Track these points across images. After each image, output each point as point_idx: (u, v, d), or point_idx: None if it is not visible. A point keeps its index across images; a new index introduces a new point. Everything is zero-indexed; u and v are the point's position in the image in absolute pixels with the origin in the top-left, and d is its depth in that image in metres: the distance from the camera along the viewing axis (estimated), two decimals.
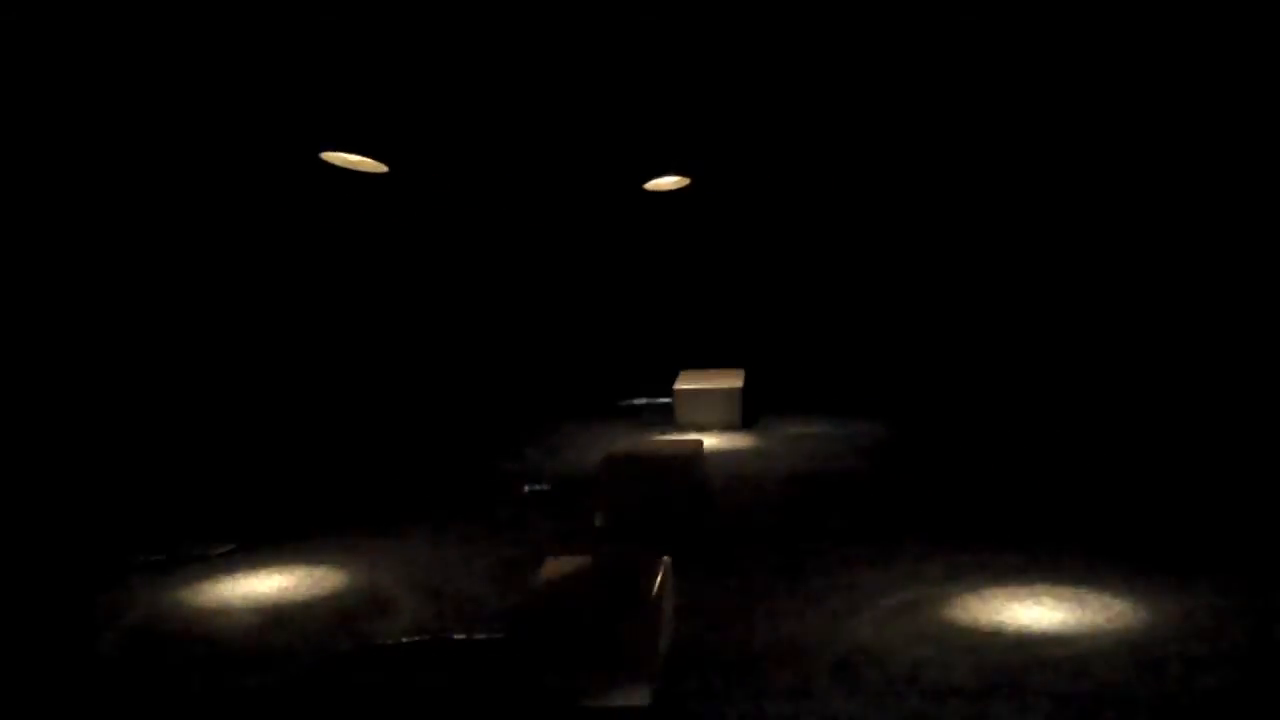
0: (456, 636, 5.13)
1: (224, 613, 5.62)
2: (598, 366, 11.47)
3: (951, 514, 6.87)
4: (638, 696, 4.41)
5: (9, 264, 8.77)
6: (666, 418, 9.98)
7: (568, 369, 11.54)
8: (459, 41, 8.49)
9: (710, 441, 8.89)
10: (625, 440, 7.62)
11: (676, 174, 9.72)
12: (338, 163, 8.40)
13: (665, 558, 5.18)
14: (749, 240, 11.85)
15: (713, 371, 10.19)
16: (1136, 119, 9.73)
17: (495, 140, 9.96)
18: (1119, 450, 8.21)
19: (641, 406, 10.66)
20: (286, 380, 10.39)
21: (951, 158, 10.83)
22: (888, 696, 4.40)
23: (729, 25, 8.61)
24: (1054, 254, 10.84)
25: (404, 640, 5.12)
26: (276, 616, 5.53)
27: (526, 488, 7.63)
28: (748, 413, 9.84)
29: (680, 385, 9.96)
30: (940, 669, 4.62)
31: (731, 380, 9.95)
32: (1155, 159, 9.92)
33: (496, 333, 11.75)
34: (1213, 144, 9.57)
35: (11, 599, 5.94)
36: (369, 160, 8.41)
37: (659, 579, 4.88)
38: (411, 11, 8.17)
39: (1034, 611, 5.20)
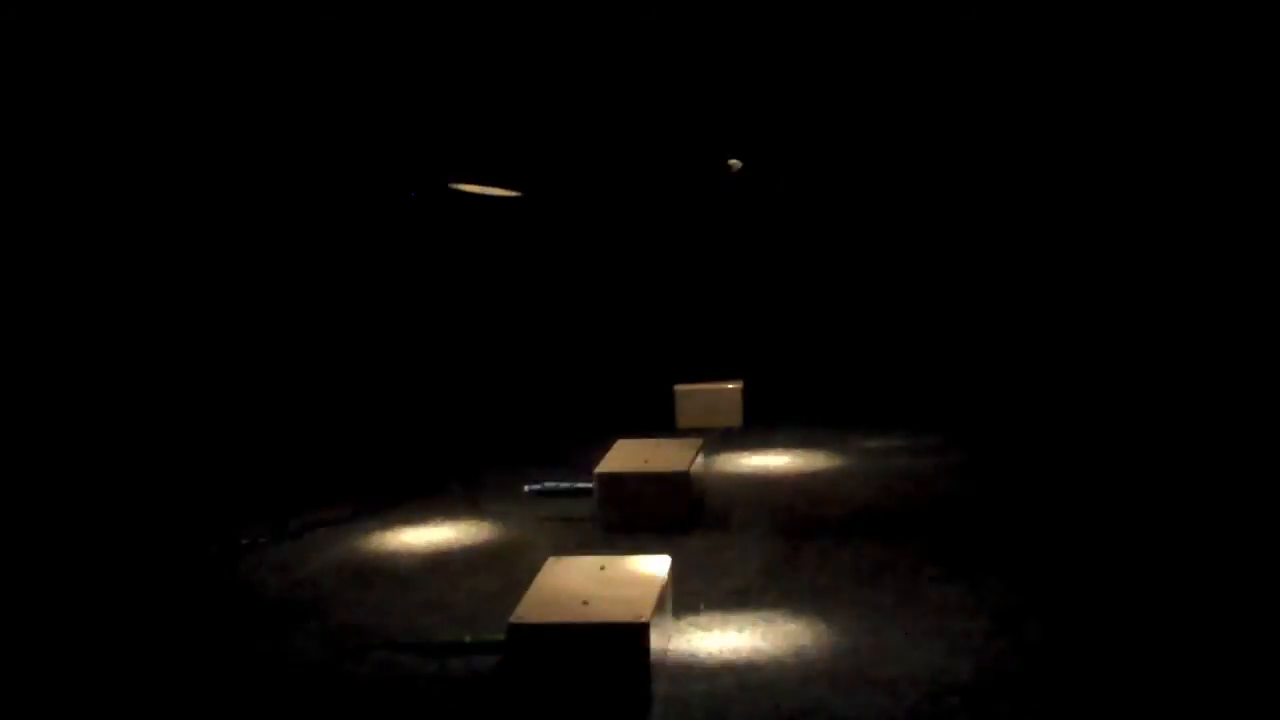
0: (455, 638, 5.13)
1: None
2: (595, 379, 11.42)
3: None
4: (638, 699, 4.42)
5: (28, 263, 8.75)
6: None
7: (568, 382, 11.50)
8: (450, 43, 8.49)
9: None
10: (621, 445, 7.63)
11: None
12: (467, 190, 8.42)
13: (666, 557, 5.19)
14: (748, 247, 11.85)
15: (710, 382, 10.18)
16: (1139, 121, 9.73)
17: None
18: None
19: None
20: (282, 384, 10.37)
21: (953, 163, 10.82)
22: (891, 694, 4.42)
23: (725, 25, 8.61)
24: (1050, 261, 10.83)
25: (402, 641, 5.13)
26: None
27: (528, 487, 7.61)
28: (748, 417, 9.83)
29: (681, 386, 9.99)
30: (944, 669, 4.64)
31: (731, 385, 9.99)
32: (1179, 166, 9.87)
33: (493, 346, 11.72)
34: (1214, 144, 9.57)
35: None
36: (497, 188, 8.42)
37: (660, 579, 4.89)
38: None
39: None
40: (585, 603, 4.65)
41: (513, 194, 8.48)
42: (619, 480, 6.89)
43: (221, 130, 8.70)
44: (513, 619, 4.54)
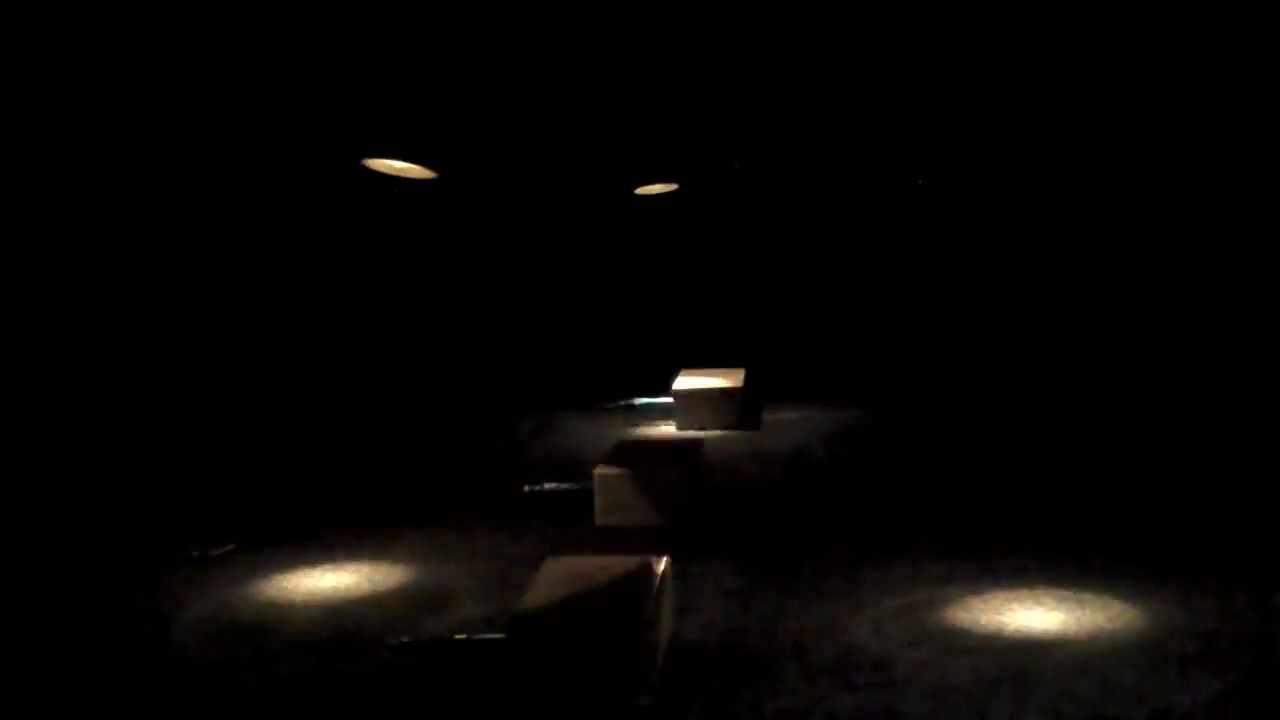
0: (456, 637, 5.13)
1: (224, 613, 5.63)
2: (596, 367, 11.45)
3: (952, 513, 6.87)
4: (637, 698, 4.41)
5: (9, 263, 8.76)
6: (665, 416, 9.99)
7: (566, 369, 11.52)
8: (456, 42, 8.47)
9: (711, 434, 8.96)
10: (625, 439, 7.65)
11: (666, 179, 9.67)
12: (382, 169, 8.40)
13: (665, 557, 5.18)
14: (748, 239, 11.86)
15: (713, 370, 10.19)
16: (1125, 118, 9.74)
17: (495, 140, 9.94)
18: (1119, 448, 8.20)
19: (639, 406, 10.62)
20: (286, 379, 10.38)
21: (946, 156, 10.84)
22: (889, 696, 4.41)
23: (725, 24, 8.60)
24: (1051, 250, 10.85)
25: (403, 640, 5.12)
26: (277, 618, 5.54)
27: (527, 487, 7.62)
28: (750, 411, 9.84)
29: (679, 385, 9.98)
30: (940, 669, 4.62)
31: (732, 379, 9.97)
32: (1148, 158, 9.93)
33: (493, 333, 11.73)
34: (1213, 144, 9.58)
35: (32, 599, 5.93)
36: (415, 166, 8.41)
37: (659, 578, 4.88)
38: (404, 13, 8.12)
39: (1034, 613, 5.19)
40: (584, 602, 4.64)
41: (429, 174, 8.48)
42: (618, 480, 6.88)
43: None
44: (512, 617, 4.53)
